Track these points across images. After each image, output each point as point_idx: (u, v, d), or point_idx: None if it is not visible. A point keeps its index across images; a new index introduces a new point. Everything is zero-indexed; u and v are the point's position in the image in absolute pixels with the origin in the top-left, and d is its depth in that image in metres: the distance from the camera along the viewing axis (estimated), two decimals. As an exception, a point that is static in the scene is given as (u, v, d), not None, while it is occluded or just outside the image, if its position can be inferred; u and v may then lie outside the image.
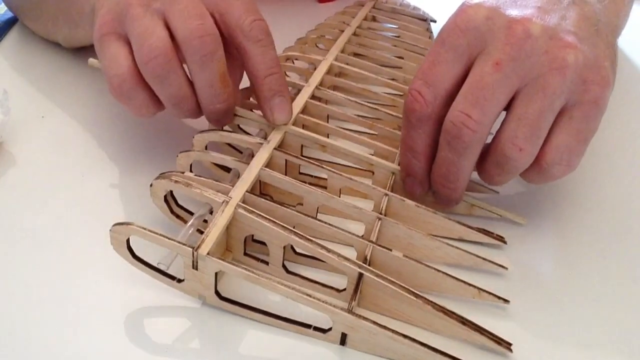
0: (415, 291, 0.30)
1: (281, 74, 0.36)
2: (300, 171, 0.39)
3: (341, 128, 0.40)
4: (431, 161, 0.35)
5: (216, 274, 0.30)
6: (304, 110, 0.41)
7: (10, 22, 0.58)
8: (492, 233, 0.35)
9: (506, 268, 0.34)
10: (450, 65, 0.33)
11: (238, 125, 0.41)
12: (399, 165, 0.37)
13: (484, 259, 0.33)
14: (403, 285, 0.30)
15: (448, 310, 0.29)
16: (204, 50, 0.33)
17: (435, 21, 0.61)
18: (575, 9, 0.33)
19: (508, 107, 0.32)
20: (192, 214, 0.33)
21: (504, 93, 0.31)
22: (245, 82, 0.38)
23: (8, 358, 0.28)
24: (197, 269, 0.30)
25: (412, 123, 0.34)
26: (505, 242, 0.35)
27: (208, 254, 0.29)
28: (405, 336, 0.28)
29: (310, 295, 0.28)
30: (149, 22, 0.34)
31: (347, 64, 0.48)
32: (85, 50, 0.54)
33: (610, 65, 0.33)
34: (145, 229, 0.29)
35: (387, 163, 0.37)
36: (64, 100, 0.48)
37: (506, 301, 0.31)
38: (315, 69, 0.45)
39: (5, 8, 0.59)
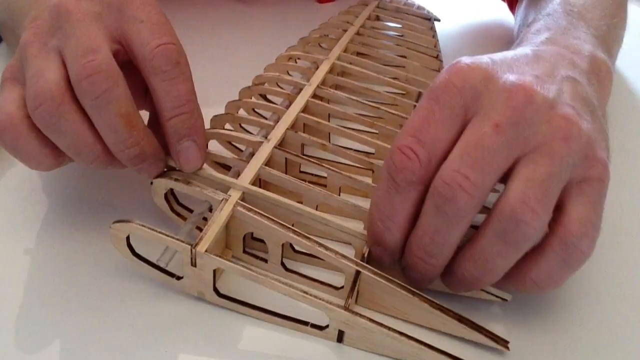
0: (413, 289, 0.30)
1: (191, 113, 0.32)
2: (301, 170, 0.39)
3: (342, 127, 0.40)
4: (407, 232, 0.30)
5: (215, 271, 0.30)
6: (305, 109, 0.41)
7: None
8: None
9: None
10: (446, 126, 0.29)
11: (240, 125, 0.41)
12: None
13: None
14: (400, 282, 0.30)
15: (445, 308, 0.29)
16: (94, 91, 0.29)
17: (439, 20, 0.61)
18: (569, 84, 0.31)
19: (508, 175, 0.28)
20: (192, 212, 0.33)
21: (504, 158, 0.28)
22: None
23: (8, 355, 0.28)
24: (195, 266, 0.30)
25: (397, 185, 0.29)
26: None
27: (206, 251, 0.29)
28: (401, 333, 0.28)
29: (307, 293, 0.28)
30: (41, 62, 0.31)
31: (350, 63, 0.48)
32: None
33: (606, 147, 0.30)
34: (144, 226, 0.30)
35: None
36: None
37: (504, 299, 0.31)
38: (317, 68, 0.46)
39: None
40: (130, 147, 0.31)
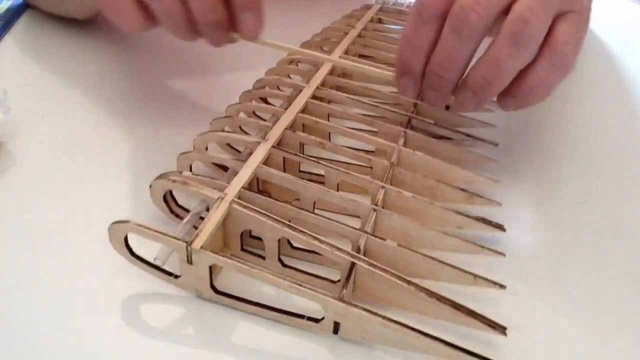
0: (408, 278, 0.30)
1: None
2: (300, 170, 0.39)
3: (342, 127, 0.40)
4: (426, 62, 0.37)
5: (211, 268, 0.30)
6: (304, 110, 0.41)
7: (9, 23, 0.60)
8: (491, 221, 0.35)
9: (504, 255, 0.33)
10: None
11: (240, 127, 0.41)
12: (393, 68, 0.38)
13: (481, 246, 0.33)
14: (395, 272, 0.30)
15: (441, 296, 0.29)
16: None
17: None
18: None
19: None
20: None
21: None
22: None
23: (9, 354, 0.29)
24: (191, 263, 0.30)
25: (423, 19, 0.35)
26: (504, 230, 0.35)
27: (201, 247, 0.30)
28: (396, 322, 0.28)
29: (301, 285, 0.29)
30: None
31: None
32: (85, 50, 0.55)
33: None
34: (142, 226, 0.30)
35: (384, 161, 0.38)
36: (64, 100, 0.49)
37: (502, 286, 0.31)
38: (318, 70, 0.46)
39: (5, 7, 0.61)
40: (212, 14, 0.38)
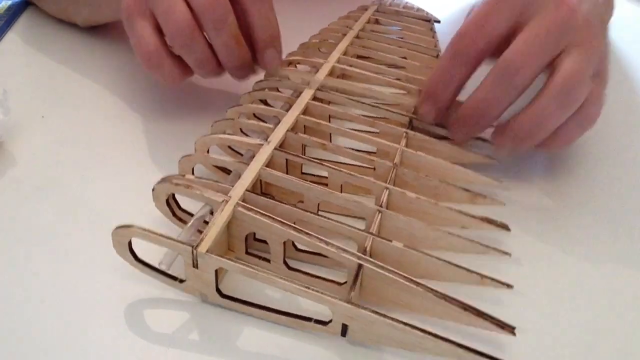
0: (416, 279, 0.30)
1: (275, 28, 0.42)
2: (303, 171, 0.39)
3: (343, 128, 0.40)
4: (456, 94, 0.39)
5: (216, 271, 0.30)
6: (305, 112, 0.41)
7: (10, 23, 0.59)
8: (496, 221, 0.35)
9: (509, 254, 0.33)
10: (505, 18, 0.37)
11: (240, 129, 0.41)
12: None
13: (486, 246, 0.33)
14: (403, 274, 0.30)
15: (450, 297, 0.29)
16: (215, 18, 0.39)
17: (439, 21, 0.61)
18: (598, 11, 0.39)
19: (554, 63, 0.36)
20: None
21: (555, 49, 0.36)
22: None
23: (10, 355, 0.29)
24: (197, 267, 0.30)
25: (460, 58, 0.37)
26: (509, 230, 0.35)
27: (207, 251, 0.29)
28: (404, 323, 0.28)
29: (308, 287, 0.28)
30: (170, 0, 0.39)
31: (350, 65, 0.48)
32: (84, 51, 0.55)
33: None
34: (146, 230, 0.30)
35: (387, 162, 0.38)
36: (64, 100, 0.48)
37: (509, 286, 0.31)
38: (317, 71, 0.46)
39: (5, 7, 0.61)
40: (237, 59, 0.41)
